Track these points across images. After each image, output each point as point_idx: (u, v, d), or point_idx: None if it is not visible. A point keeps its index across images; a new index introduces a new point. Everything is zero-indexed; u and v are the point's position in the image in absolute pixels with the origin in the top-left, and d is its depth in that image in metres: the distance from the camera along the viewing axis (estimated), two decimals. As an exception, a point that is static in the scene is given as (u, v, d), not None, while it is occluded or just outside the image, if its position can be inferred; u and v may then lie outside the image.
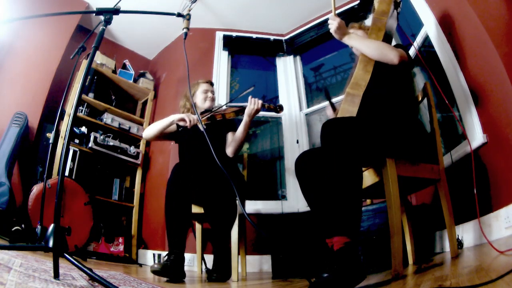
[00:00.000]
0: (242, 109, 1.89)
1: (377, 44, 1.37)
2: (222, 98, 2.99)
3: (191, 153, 1.94)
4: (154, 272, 1.40)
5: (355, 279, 0.94)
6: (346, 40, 1.48)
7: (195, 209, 1.88)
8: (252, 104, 1.84)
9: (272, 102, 1.83)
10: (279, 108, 1.90)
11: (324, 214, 1.24)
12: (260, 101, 1.84)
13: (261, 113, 1.97)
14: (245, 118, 1.86)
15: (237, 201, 1.73)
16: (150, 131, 1.98)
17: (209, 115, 1.87)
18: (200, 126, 1.85)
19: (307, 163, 1.34)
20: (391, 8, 1.52)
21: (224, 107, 2.00)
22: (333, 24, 1.46)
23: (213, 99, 2.12)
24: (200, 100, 2.10)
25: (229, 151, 1.95)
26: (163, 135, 2.01)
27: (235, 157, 1.97)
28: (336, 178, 1.03)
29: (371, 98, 1.30)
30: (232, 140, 1.97)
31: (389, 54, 1.31)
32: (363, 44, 1.41)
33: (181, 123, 1.85)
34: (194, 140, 1.93)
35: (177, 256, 1.48)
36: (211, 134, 1.93)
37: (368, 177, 1.36)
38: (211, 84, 2.20)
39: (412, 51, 2.10)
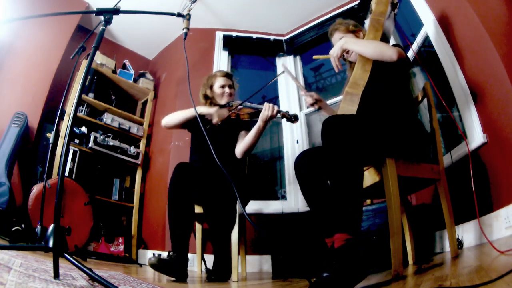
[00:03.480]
0: (257, 112, 1.83)
1: (375, 43, 1.37)
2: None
3: (203, 148, 1.90)
4: (151, 265, 1.43)
5: (356, 277, 0.93)
6: (344, 45, 1.45)
7: (197, 209, 1.87)
8: (266, 110, 1.76)
9: (287, 111, 1.79)
10: (294, 118, 1.78)
11: (324, 212, 1.24)
12: (276, 108, 1.77)
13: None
14: (259, 122, 1.80)
15: (237, 202, 1.72)
16: (171, 119, 1.97)
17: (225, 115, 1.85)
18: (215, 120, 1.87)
19: (307, 162, 1.34)
20: (388, 9, 1.52)
21: (240, 107, 1.92)
22: (335, 51, 1.48)
23: (230, 94, 2.05)
24: (217, 95, 2.04)
25: (238, 151, 1.91)
26: (182, 125, 2.00)
27: (243, 158, 1.94)
28: (337, 174, 1.03)
29: (369, 94, 1.30)
30: (242, 140, 1.93)
31: (388, 52, 1.31)
32: (361, 46, 1.40)
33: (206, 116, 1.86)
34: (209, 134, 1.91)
35: (179, 256, 1.49)
36: (223, 131, 1.91)
37: (368, 177, 1.35)
38: (229, 77, 2.11)
39: (410, 54, 2.10)
